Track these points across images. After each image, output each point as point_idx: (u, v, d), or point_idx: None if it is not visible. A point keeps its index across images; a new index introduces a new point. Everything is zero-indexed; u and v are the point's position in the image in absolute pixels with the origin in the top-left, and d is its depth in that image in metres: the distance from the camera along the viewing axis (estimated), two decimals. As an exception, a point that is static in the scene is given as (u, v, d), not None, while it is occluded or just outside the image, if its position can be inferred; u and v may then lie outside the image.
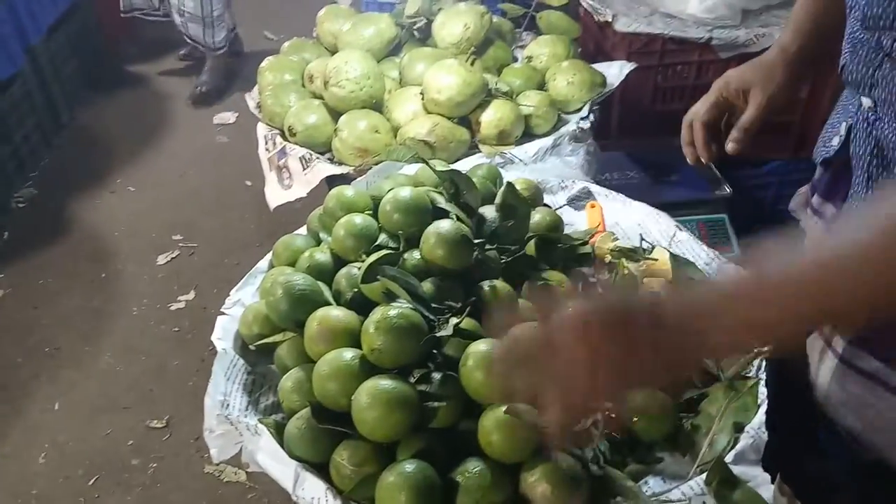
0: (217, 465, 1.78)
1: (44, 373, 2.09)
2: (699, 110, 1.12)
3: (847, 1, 0.94)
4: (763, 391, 0.93)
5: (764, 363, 0.98)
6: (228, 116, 3.28)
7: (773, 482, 0.83)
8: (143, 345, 2.17)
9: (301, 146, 1.56)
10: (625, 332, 0.59)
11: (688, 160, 1.16)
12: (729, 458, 0.85)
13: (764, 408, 0.91)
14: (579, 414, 0.66)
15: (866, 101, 0.84)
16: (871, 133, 0.84)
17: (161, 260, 2.50)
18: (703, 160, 1.14)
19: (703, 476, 0.84)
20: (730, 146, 1.08)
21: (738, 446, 0.87)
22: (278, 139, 1.60)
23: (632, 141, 1.98)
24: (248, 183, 2.83)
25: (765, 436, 0.88)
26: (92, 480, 1.80)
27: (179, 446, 1.86)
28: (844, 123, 0.95)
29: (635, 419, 0.91)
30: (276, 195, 1.58)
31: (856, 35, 0.91)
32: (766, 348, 0.93)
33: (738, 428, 0.90)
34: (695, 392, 0.97)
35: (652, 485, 0.88)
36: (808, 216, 1.15)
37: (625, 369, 0.59)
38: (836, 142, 0.96)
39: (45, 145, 3.04)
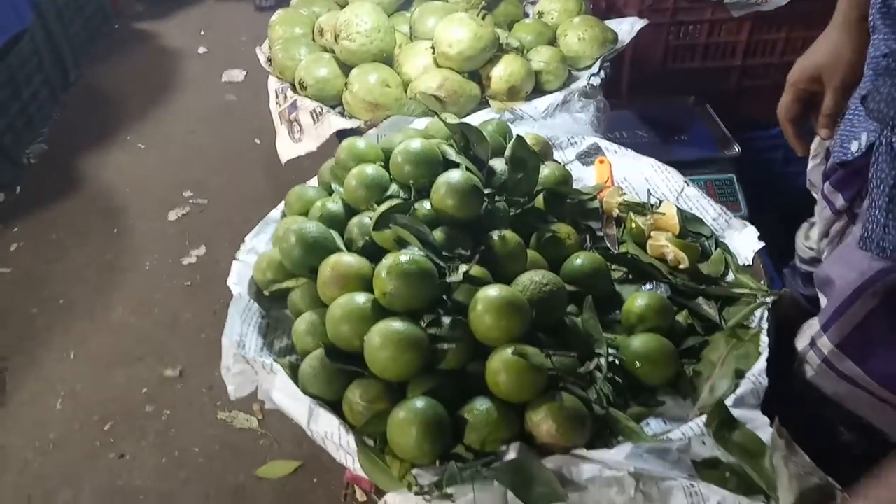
0: (230, 412, 1.83)
1: (58, 324, 2.13)
2: (782, 106, 1.14)
3: (869, 21, 0.93)
4: (765, 340, 0.96)
5: (766, 313, 1.00)
6: (237, 74, 3.28)
7: (771, 425, 0.85)
8: (155, 298, 2.21)
9: (312, 99, 1.57)
10: None
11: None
12: (729, 402, 0.88)
13: (765, 355, 0.93)
14: None
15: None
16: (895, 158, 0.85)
17: (172, 216, 2.53)
18: (798, 154, 1.18)
19: (703, 418, 0.86)
20: (822, 133, 1.10)
21: (739, 391, 0.89)
22: (289, 92, 1.60)
23: (642, 100, 1.98)
24: (258, 141, 2.84)
25: (765, 382, 0.91)
26: (107, 426, 1.85)
27: (192, 395, 1.91)
28: (865, 135, 0.96)
29: (638, 364, 0.94)
30: (287, 148, 1.59)
31: (878, 61, 0.90)
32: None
33: (739, 374, 0.92)
34: (697, 340, 0.99)
35: (653, 426, 0.91)
36: (819, 199, 1.16)
37: None
38: (854, 147, 0.97)
39: (54, 102, 3.05)
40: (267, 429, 1.79)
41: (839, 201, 1.08)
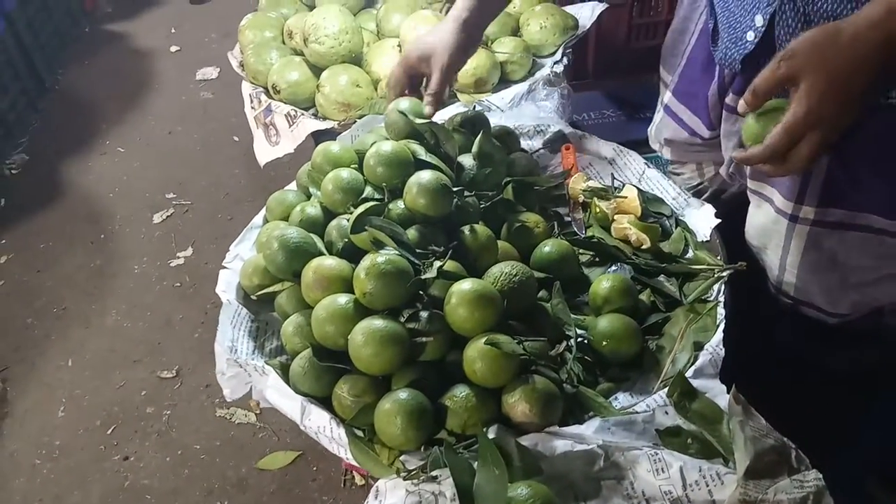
0: (228, 409, 1.90)
1: (54, 332, 2.19)
2: (392, 76, 1.28)
3: None
4: (721, 312, 1.03)
5: (723, 286, 1.07)
6: (211, 72, 3.30)
7: (728, 392, 0.92)
8: (146, 301, 2.26)
9: (286, 103, 1.61)
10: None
11: None
12: (689, 373, 0.95)
13: (722, 327, 1.00)
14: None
15: None
16: (800, 10, 0.91)
17: (157, 219, 2.57)
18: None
19: (666, 389, 0.93)
20: (427, 110, 1.24)
21: (698, 363, 0.96)
22: (263, 97, 1.65)
23: (609, 79, 2.03)
24: (236, 139, 2.87)
25: (722, 352, 0.98)
26: (110, 430, 1.91)
27: (191, 394, 1.97)
28: (759, 15, 0.98)
29: (605, 343, 1.01)
30: (264, 152, 1.64)
31: None
32: None
33: (698, 346, 0.99)
34: (659, 316, 1.06)
35: (621, 399, 0.98)
36: (724, 117, 1.18)
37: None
38: (751, 37, 1.01)
39: (32, 111, 3.06)
40: (265, 422, 1.86)
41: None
